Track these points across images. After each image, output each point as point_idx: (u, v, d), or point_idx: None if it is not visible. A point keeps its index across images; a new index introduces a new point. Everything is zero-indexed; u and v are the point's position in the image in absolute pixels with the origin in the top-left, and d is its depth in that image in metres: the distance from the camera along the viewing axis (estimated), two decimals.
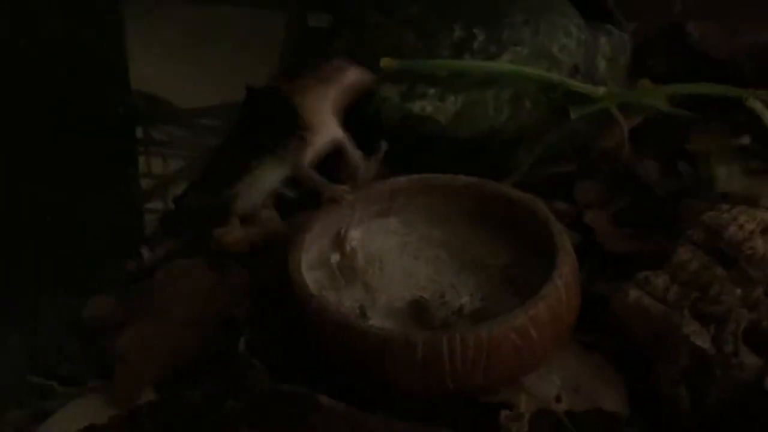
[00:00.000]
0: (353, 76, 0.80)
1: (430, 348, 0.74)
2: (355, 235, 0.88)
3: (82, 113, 0.93)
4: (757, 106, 0.92)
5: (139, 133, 1.25)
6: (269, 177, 0.92)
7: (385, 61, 0.95)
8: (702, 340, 0.73)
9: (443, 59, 0.97)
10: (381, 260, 0.88)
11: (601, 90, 0.98)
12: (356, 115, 0.92)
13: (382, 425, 0.73)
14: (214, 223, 0.91)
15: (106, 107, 0.99)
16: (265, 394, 0.75)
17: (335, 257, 0.87)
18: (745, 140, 0.97)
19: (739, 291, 0.76)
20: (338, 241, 0.88)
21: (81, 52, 0.93)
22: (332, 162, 0.90)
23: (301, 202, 0.95)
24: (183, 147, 1.34)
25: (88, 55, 0.95)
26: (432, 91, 0.97)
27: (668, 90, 1.00)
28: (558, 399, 0.77)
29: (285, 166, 0.90)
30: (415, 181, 0.90)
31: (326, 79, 0.82)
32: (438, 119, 0.97)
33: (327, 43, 1.06)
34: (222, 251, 0.91)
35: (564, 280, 0.78)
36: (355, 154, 0.89)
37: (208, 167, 1.06)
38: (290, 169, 0.89)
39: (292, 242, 0.84)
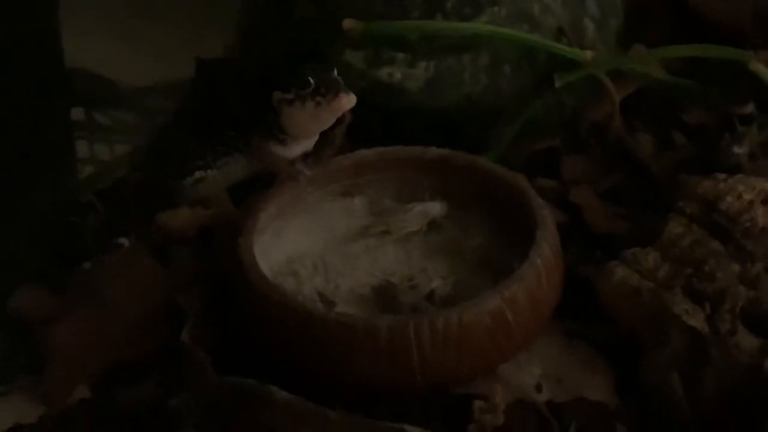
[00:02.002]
0: (344, 101, 0.83)
1: (396, 334, 0.74)
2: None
3: (7, 94, 0.93)
4: (760, 68, 0.93)
5: (80, 116, 1.25)
6: (233, 174, 0.93)
7: (348, 23, 0.96)
8: (696, 320, 0.74)
9: (413, 21, 0.97)
10: (345, 243, 0.89)
11: (589, 55, 0.99)
12: None
13: (342, 421, 0.73)
14: (159, 207, 0.92)
15: (37, 88, 0.99)
16: (211, 388, 0.75)
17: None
18: (749, 109, 0.98)
19: (736, 267, 0.77)
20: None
21: (6, 24, 0.93)
22: None
23: (253, 184, 0.95)
24: (129, 131, 1.34)
25: (14, 28, 0.95)
26: (401, 56, 0.98)
27: (662, 54, 1.01)
28: (538, 389, 0.77)
29: (252, 166, 0.92)
30: (381, 155, 0.91)
31: (319, 102, 0.85)
32: (408, 87, 0.98)
33: (287, 10, 1.06)
34: (166, 236, 0.91)
35: (544, 259, 0.78)
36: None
37: (155, 146, 1.06)
38: (257, 168, 0.91)
39: (244, 224, 0.84)
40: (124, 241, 0.90)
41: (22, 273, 0.89)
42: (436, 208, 0.88)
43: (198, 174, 0.93)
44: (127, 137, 1.27)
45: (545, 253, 0.78)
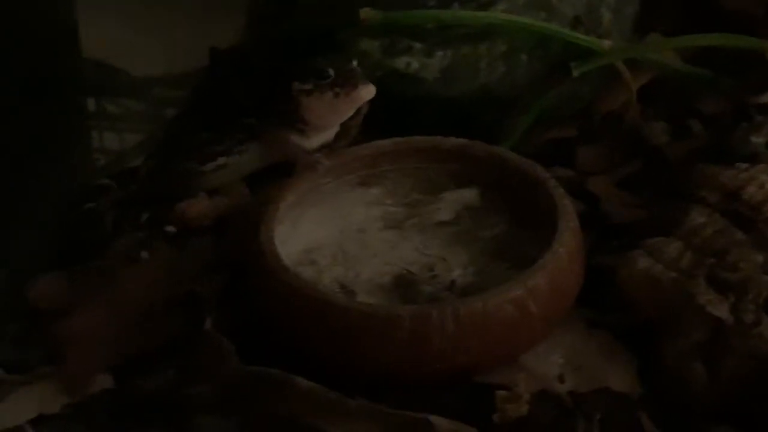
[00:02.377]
0: (363, 93, 0.83)
1: (418, 323, 0.74)
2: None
3: (24, 81, 0.93)
4: None
5: (91, 105, 1.25)
6: (253, 162, 0.93)
7: (365, 12, 0.95)
8: (719, 310, 0.73)
9: (430, 9, 0.97)
10: (364, 233, 0.88)
11: (606, 44, 0.98)
12: None
13: (364, 410, 0.73)
14: (176, 196, 0.92)
15: (52, 75, 0.99)
16: (235, 377, 0.75)
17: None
18: (766, 98, 0.98)
19: (760, 257, 0.76)
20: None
21: (24, 12, 0.93)
22: None
23: (268, 174, 0.95)
24: (140, 120, 1.34)
25: (32, 15, 0.95)
26: (417, 45, 0.97)
27: (679, 43, 1.00)
28: (560, 379, 0.77)
29: (271, 155, 0.91)
30: (399, 144, 0.91)
31: (338, 93, 0.84)
32: (424, 77, 0.97)
33: None
34: (184, 225, 0.91)
35: (566, 248, 0.78)
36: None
37: (168, 136, 1.06)
38: (276, 158, 0.90)
39: (263, 213, 0.84)
40: (171, 229, 0.90)
41: (39, 261, 0.88)
42: (468, 194, 0.88)
43: (221, 160, 0.92)
44: (138, 126, 1.26)
45: (568, 243, 0.78)
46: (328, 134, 0.89)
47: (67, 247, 0.90)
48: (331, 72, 0.85)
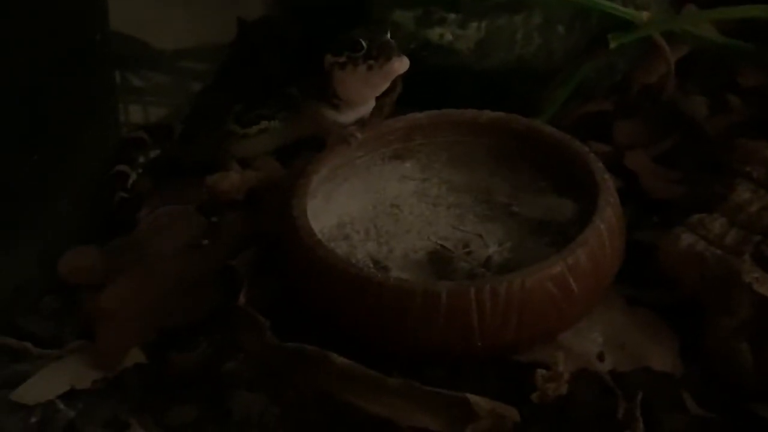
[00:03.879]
0: (397, 66, 0.80)
1: (456, 300, 0.72)
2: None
3: (53, 51, 0.91)
4: None
5: (116, 78, 1.24)
6: (288, 133, 0.91)
7: None
8: (766, 288, 0.71)
9: None
10: (397, 208, 0.87)
11: (644, 15, 0.96)
12: None
13: (401, 387, 0.71)
14: (214, 159, 0.90)
15: (82, 46, 0.97)
16: (269, 352, 0.73)
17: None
18: None
19: None
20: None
21: None
22: None
23: (301, 148, 0.94)
24: (165, 93, 1.32)
25: None
26: (452, 16, 0.95)
27: (717, 15, 0.98)
28: (600, 357, 0.75)
29: (306, 127, 0.90)
30: (434, 118, 0.89)
31: (371, 66, 0.82)
32: (459, 48, 0.95)
33: None
34: (216, 199, 0.89)
35: (607, 224, 0.76)
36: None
37: (197, 106, 1.05)
38: (310, 131, 0.89)
39: (296, 186, 0.82)
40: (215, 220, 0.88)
41: (73, 233, 0.87)
42: (504, 169, 0.86)
43: (263, 124, 0.91)
44: (163, 99, 1.24)
45: (608, 218, 0.76)
46: (364, 109, 0.87)
47: (100, 215, 0.89)
48: (365, 44, 0.82)
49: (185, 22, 1.28)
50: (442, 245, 0.82)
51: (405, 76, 0.88)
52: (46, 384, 0.76)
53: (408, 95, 0.93)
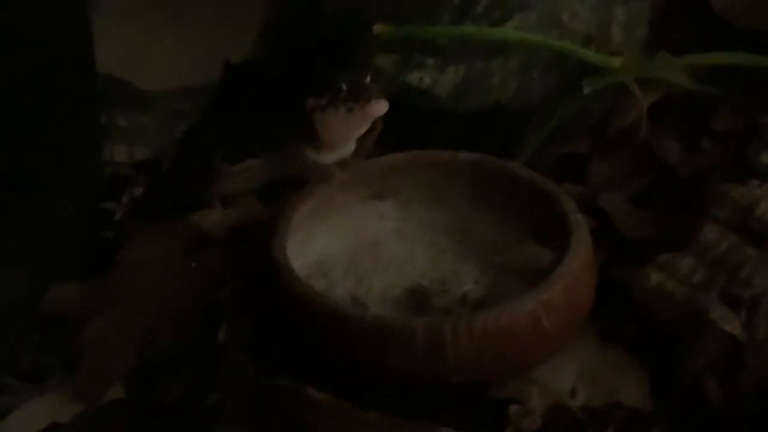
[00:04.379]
0: (376, 108, 0.83)
1: (432, 335, 0.74)
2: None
3: (40, 92, 0.93)
4: None
5: (102, 119, 1.25)
6: (272, 172, 0.94)
7: (379, 28, 0.96)
8: (732, 326, 0.74)
9: (443, 25, 0.97)
10: (376, 246, 0.89)
11: (618, 62, 0.98)
12: None
13: (378, 421, 0.73)
14: (198, 196, 0.92)
15: (68, 87, 1.00)
16: (250, 387, 0.75)
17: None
18: None
19: None
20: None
21: (39, 26, 0.93)
22: None
23: (280, 186, 0.95)
24: (150, 134, 1.34)
25: (47, 30, 0.95)
26: (431, 60, 0.98)
27: (689, 61, 1.00)
28: (573, 393, 0.77)
29: (289, 167, 0.92)
30: (413, 158, 0.91)
31: (352, 108, 0.84)
32: (438, 92, 0.97)
33: (313, 11, 1.07)
34: (199, 236, 0.91)
35: (579, 262, 0.78)
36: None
37: (182, 146, 1.06)
38: (292, 171, 0.91)
39: (276, 224, 0.84)
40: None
41: (57, 267, 0.89)
42: (480, 209, 0.88)
43: (249, 162, 0.93)
44: (148, 140, 1.26)
45: (581, 257, 0.78)
46: (345, 150, 0.89)
47: (84, 252, 0.91)
48: (345, 87, 0.85)
49: (171, 64, 1.30)
50: (419, 282, 0.84)
51: (385, 118, 0.90)
52: (27, 419, 0.77)
53: (388, 136, 0.94)
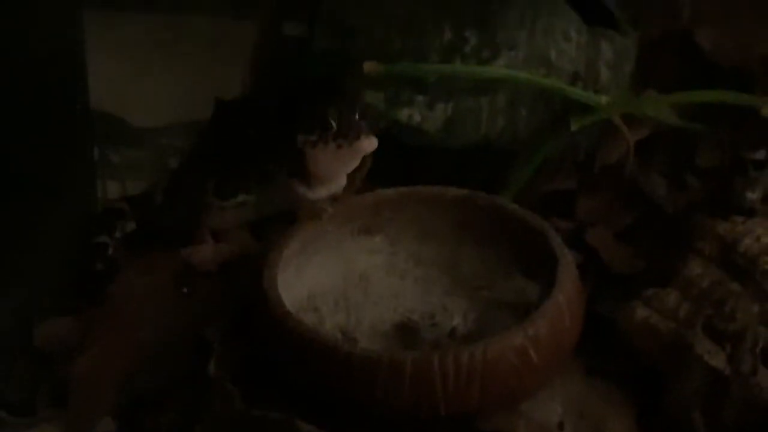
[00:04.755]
0: (365, 144, 0.85)
1: (420, 369, 0.75)
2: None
3: (32, 128, 0.95)
4: None
5: (95, 154, 1.26)
6: (264, 207, 0.95)
7: (369, 66, 0.97)
8: (717, 359, 0.75)
9: (432, 63, 0.99)
10: (366, 280, 0.90)
11: (604, 100, 1.00)
12: None
13: None
14: (190, 230, 0.93)
15: (60, 123, 1.01)
16: (239, 420, 0.75)
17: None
18: (761, 154, 0.99)
19: (756, 307, 0.78)
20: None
21: (34, 62, 0.95)
22: None
23: (274, 223, 0.96)
24: (143, 169, 1.35)
25: (40, 65, 0.97)
26: (420, 97, 0.99)
27: (675, 99, 1.02)
28: (560, 426, 0.78)
29: (281, 202, 0.93)
30: (402, 194, 0.92)
31: (341, 144, 0.86)
32: (427, 128, 0.99)
33: (304, 49, 1.08)
34: (190, 271, 0.92)
35: (566, 296, 0.79)
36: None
37: (171, 185, 1.07)
38: (284, 206, 0.92)
39: (267, 258, 0.85)
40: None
41: (45, 302, 0.89)
42: (469, 244, 0.89)
43: (241, 197, 0.94)
44: (141, 175, 1.27)
45: (567, 291, 0.79)
46: (335, 186, 0.91)
47: (76, 286, 0.92)
48: (334, 124, 0.86)
49: (164, 101, 1.31)
50: (408, 317, 0.85)
51: (375, 154, 0.92)
52: None
53: (378, 172, 0.96)
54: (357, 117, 0.87)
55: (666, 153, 1.06)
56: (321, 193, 0.90)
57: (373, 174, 0.96)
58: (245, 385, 0.78)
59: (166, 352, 0.84)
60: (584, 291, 0.84)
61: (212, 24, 1.45)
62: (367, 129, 0.86)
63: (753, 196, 0.95)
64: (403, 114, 0.99)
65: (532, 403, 0.78)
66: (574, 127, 0.99)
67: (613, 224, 0.98)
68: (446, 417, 0.76)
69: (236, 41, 1.33)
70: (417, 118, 0.99)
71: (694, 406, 0.74)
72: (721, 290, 0.79)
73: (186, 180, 1.02)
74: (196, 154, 1.13)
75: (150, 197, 1.01)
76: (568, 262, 0.82)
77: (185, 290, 0.90)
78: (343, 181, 0.91)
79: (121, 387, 0.82)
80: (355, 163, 0.89)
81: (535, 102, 1.01)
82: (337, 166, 0.89)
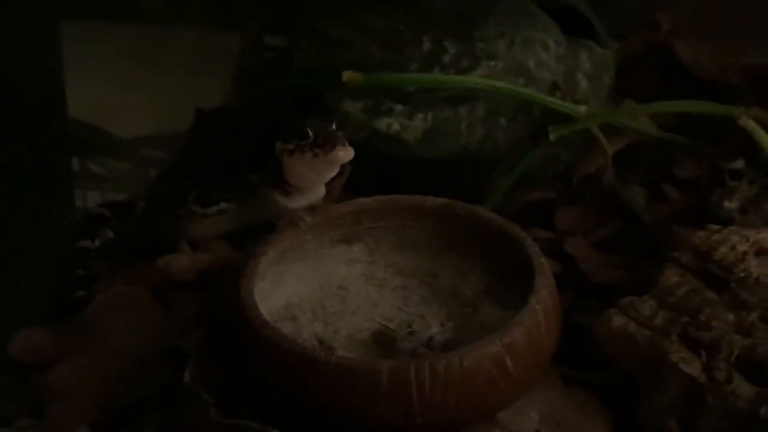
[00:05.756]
0: (341, 154, 0.86)
1: (397, 377, 0.75)
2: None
3: (10, 136, 0.95)
4: (750, 125, 0.95)
5: (74, 165, 1.27)
6: (244, 216, 0.96)
7: (348, 75, 0.98)
8: (692, 368, 0.75)
9: (411, 73, 0.99)
10: (344, 290, 0.90)
11: (583, 110, 1.01)
12: None
13: None
14: (170, 239, 0.94)
15: (40, 132, 1.01)
16: (214, 429, 0.75)
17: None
18: (739, 164, 1.00)
19: (731, 316, 0.78)
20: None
21: (12, 73, 0.95)
22: None
23: (252, 232, 0.97)
24: (123, 180, 1.35)
25: (20, 77, 0.97)
26: (399, 107, 1.00)
27: (654, 109, 1.03)
28: None
29: (260, 212, 0.93)
30: (381, 203, 0.93)
31: (317, 153, 0.87)
32: (406, 138, 1.00)
33: (285, 60, 1.09)
34: (167, 280, 0.92)
35: (543, 305, 0.80)
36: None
37: (152, 194, 1.08)
38: (263, 216, 0.93)
39: (245, 268, 0.85)
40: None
41: (24, 311, 0.89)
42: (447, 253, 0.91)
43: (222, 205, 0.95)
44: (121, 186, 1.28)
45: (544, 300, 0.80)
46: (313, 196, 0.91)
47: (53, 295, 0.92)
48: (311, 133, 0.87)
49: (144, 111, 1.32)
50: (386, 325, 0.86)
51: (355, 163, 0.92)
52: None
53: (358, 181, 0.96)
54: (333, 127, 0.88)
55: (645, 163, 1.07)
56: (299, 202, 0.91)
57: (353, 183, 0.96)
58: (222, 395, 0.78)
59: (144, 362, 0.84)
60: (562, 300, 0.84)
61: (194, 36, 1.46)
62: (343, 139, 0.86)
63: (731, 205, 0.96)
64: (383, 123, 1.00)
65: (510, 412, 0.79)
66: (552, 137, 1.00)
67: (592, 234, 0.99)
68: (423, 425, 0.76)
69: (218, 53, 1.34)
70: (396, 127, 1.00)
71: (670, 414, 0.74)
72: (697, 299, 0.80)
73: (167, 189, 1.02)
74: (178, 164, 1.14)
75: (132, 205, 1.01)
76: (544, 271, 0.82)
77: (164, 300, 0.90)
78: (321, 190, 0.92)
79: (99, 397, 0.82)
80: (333, 173, 0.89)
81: (515, 112, 1.02)
82: (313, 175, 0.90)
